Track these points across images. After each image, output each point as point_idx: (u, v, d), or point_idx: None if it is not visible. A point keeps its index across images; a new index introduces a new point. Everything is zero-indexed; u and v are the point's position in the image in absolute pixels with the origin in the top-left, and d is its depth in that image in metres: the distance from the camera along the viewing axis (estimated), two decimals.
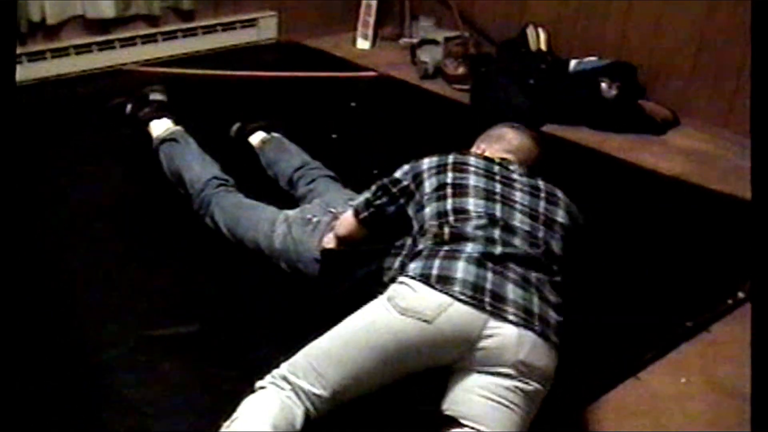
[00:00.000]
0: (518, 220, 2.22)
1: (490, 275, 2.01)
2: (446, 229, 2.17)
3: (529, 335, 1.95)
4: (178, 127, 3.44)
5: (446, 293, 1.95)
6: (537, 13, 4.84)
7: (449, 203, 2.25)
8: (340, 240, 2.59)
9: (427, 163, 2.42)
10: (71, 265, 2.90)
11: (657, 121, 4.21)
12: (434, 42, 5.02)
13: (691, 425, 2.26)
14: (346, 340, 2.01)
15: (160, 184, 3.40)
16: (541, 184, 2.40)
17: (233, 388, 2.24)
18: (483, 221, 2.17)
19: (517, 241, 2.15)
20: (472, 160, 2.39)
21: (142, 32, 4.89)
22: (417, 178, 2.39)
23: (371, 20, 5.58)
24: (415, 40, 5.22)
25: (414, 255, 2.17)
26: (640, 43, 4.43)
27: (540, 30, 4.70)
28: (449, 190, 2.29)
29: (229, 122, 3.72)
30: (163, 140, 3.35)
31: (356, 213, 2.50)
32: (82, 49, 4.68)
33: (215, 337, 2.54)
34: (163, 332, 2.53)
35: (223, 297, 2.74)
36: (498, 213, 2.21)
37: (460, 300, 1.94)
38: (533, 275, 2.09)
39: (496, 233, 2.15)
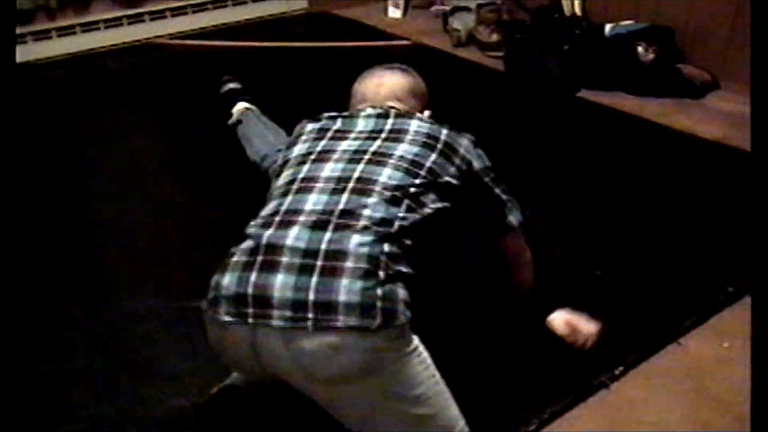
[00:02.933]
0: (323, 177, 1.88)
1: (253, 275, 1.70)
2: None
3: (302, 338, 1.64)
4: (244, 107, 3.45)
5: (215, 321, 1.75)
6: None
7: (273, 184, 2.02)
8: None
9: (297, 129, 2.20)
10: (108, 238, 2.91)
11: (696, 85, 4.12)
12: (467, 9, 4.97)
13: (733, 390, 2.22)
14: None
15: (195, 157, 3.41)
16: (389, 119, 2.05)
17: None
18: (273, 203, 1.90)
19: (307, 206, 1.81)
20: (309, 126, 2.13)
21: (172, 5, 4.88)
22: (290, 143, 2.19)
23: None
24: (447, 8, 5.17)
25: None
26: (677, 6, 4.33)
27: None
28: (274, 175, 2.09)
29: (264, 95, 3.68)
30: (234, 124, 3.38)
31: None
32: (112, 23, 4.69)
33: None
34: (201, 304, 2.52)
35: None
36: (299, 176, 1.92)
37: (225, 323, 1.72)
38: (327, 231, 1.74)
39: (283, 205, 1.85)
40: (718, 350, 2.37)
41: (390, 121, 2.04)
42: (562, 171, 3.31)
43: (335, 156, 1.94)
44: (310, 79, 4.28)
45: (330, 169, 1.90)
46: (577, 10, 4.61)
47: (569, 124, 3.84)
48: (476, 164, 2.05)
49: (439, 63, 4.69)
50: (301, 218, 1.79)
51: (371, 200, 1.80)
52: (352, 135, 2.01)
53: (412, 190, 1.86)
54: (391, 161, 1.90)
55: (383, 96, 2.22)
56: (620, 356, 2.31)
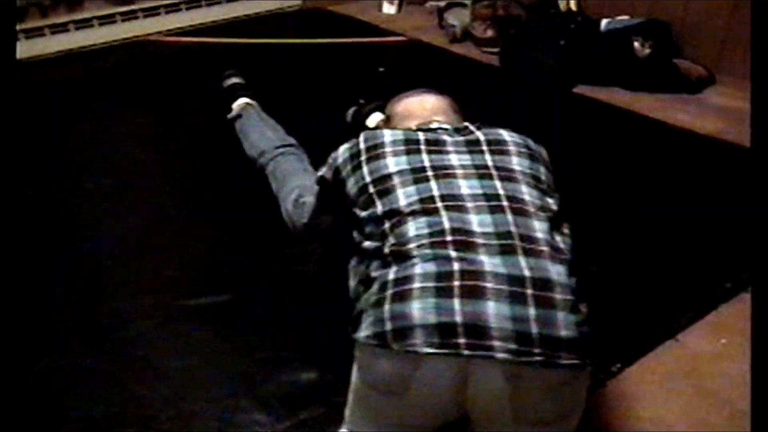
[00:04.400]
0: (465, 186, 1.77)
1: (456, 302, 1.52)
2: (386, 248, 1.70)
3: (528, 373, 1.51)
4: (245, 101, 3.44)
5: (408, 352, 1.51)
6: None
7: (378, 208, 1.79)
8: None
9: (341, 154, 2.01)
10: (104, 236, 2.90)
11: (692, 80, 4.11)
12: (462, 5, 4.95)
13: (731, 386, 2.21)
14: (352, 412, 1.77)
15: (190, 154, 3.40)
16: (476, 132, 1.96)
17: (266, 356, 2.26)
18: (417, 210, 1.72)
19: (474, 226, 1.67)
20: (387, 133, 1.95)
21: (165, 1, 4.87)
22: (337, 175, 2.01)
23: None
24: (442, 4, 5.14)
25: (368, 295, 1.68)
26: (673, 1, 4.32)
27: None
28: (372, 190, 1.84)
29: (259, 91, 3.66)
30: (233, 118, 3.37)
31: (310, 221, 2.42)
32: (106, 20, 4.67)
33: (249, 307, 2.52)
34: (197, 302, 2.52)
35: (257, 266, 2.72)
36: (435, 191, 1.76)
37: (427, 354, 1.50)
38: (522, 264, 1.59)
39: (444, 223, 1.67)
40: (715, 346, 2.36)
41: (478, 134, 1.95)
42: (558, 166, 3.30)
43: (458, 171, 1.81)
44: (304, 76, 4.26)
45: (467, 185, 1.76)
46: (573, 6, 4.60)
47: (565, 119, 3.83)
48: None
49: (435, 59, 4.67)
50: (479, 240, 1.63)
51: (536, 223, 1.70)
52: (450, 148, 1.89)
53: (553, 208, 1.80)
54: (519, 177, 1.82)
55: (430, 111, 2.18)
56: (618, 353, 2.30)
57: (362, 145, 1.95)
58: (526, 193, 1.78)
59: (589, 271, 2.56)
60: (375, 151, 1.91)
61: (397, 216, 1.73)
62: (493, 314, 1.50)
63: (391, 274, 1.63)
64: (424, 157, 1.85)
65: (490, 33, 4.72)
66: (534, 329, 1.49)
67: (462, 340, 1.48)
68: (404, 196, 1.76)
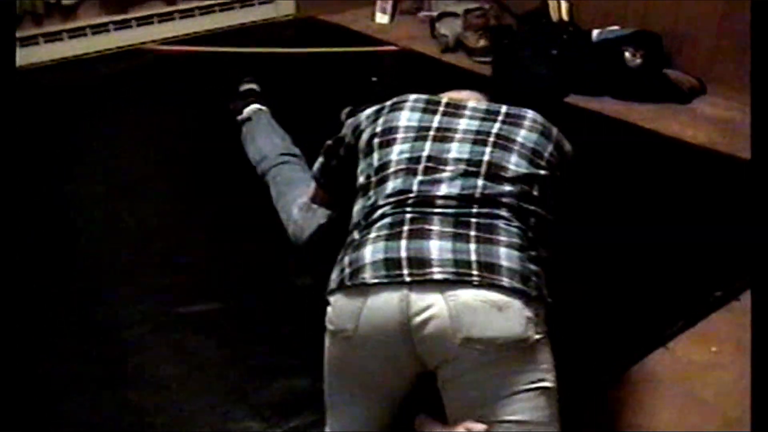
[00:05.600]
0: (454, 151, 1.86)
1: (404, 242, 1.68)
2: (369, 200, 1.88)
3: (465, 292, 1.61)
4: (257, 107, 3.47)
5: (357, 286, 1.67)
6: None
7: (375, 158, 1.94)
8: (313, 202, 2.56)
9: (366, 112, 2.11)
10: (100, 243, 2.90)
11: (683, 90, 4.13)
12: (454, 15, 4.96)
13: (721, 394, 2.22)
14: (328, 385, 1.85)
15: (185, 162, 3.41)
16: (504, 108, 2.02)
17: (261, 363, 2.27)
18: (401, 168, 1.86)
19: (444, 177, 1.81)
20: (412, 96, 2.06)
21: (159, 10, 4.87)
22: (356, 131, 2.10)
23: None
24: (434, 13, 5.16)
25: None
26: (663, 12, 4.33)
27: (562, 0, 4.64)
28: (376, 141, 1.97)
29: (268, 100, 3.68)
30: (243, 120, 3.38)
31: (315, 180, 2.42)
32: (99, 29, 4.68)
33: (242, 315, 2.53)
34: (191, 309, 2.53)
35: (251, 274, 2.72)
36: (426, 151, 1.87)
37: (372, 286, 1.65)
38: (473, 213, 1.75)
39: (416, 180, 1.81)
40: (706, 354, 2.37)
41: (503, 107, 2.02)
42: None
43: (457, 135, 1.90)
44: (297, 85, 4.27)
45: (457, 150, 1.86)
46: (564, 15, 4.61)
47: (557, 129, 3.84)
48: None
49: (427, 68, 4.68)
50: (439, 201, 1.78)
51: (507, 188, 1.81)
52: (467, 112, 1.98)
53: (539, 181, 1.88)
54: (516, 147, 1.88)
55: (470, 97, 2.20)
56: (608, 361, 2.31)
57: (389, 102, 2.07)
58: (513, 162, 1.85)
59: (578, 278, 2.63)
60: (396, 106, 2.03)
61: (383, 171, 1.89)
62: (436, 249, 1.66)
63: (356, 233, 1.82)
64: (437, 117, 1.95)
65: (482, 43, 4.74)
66: (473, 257, 1.65)
67: (405, 271, 1.63)
68: (397, 152, 1.90)
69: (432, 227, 1.71)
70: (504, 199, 1.79)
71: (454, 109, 1.98)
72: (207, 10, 5.06)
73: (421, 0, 5.59)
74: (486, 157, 1.84)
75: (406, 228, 1.72)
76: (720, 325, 2.50)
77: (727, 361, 2.33)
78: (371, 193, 1.89)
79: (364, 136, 2.02)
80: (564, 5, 4.62)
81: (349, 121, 2.16)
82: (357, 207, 1.93)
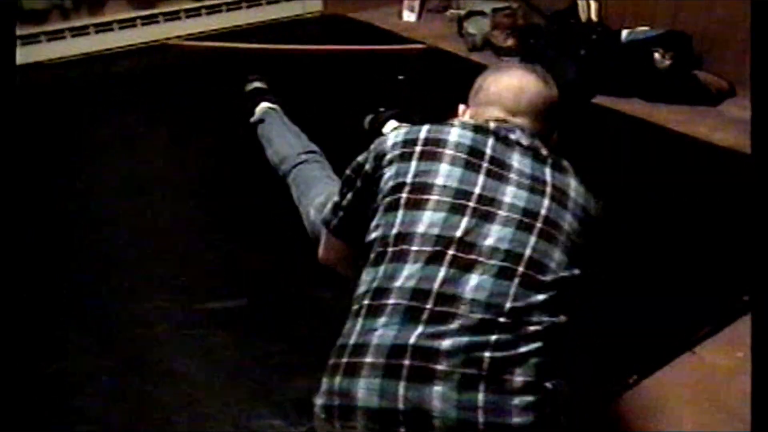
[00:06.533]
0: (493, 236, 1.55)
1: (402, 388, 1.41)
2: (379, 274, 1.57)
3: None
4: (268, 106, 3.43)
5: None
6: None
7: (398, 219, 1.61)
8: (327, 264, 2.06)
9: (393, 138, 1.74)
10: (121, 239, 2.91)
11: (712, 92, 4.10)
12: (482, 13, 4.94)
13: (747, 399, 2.18)
14: None
15: (209, 158, 3.41)
16: (548, 172, 1.69)
17: (282, 361, 2.26)
18: (426, 251, 1.54)
19: (473, 278, 1.50)
20: (454, 131, 1.69)
21: (186, 6, 4.88)
22: (379, 160, 1.73)
23: None
24: (462, 12, 5.14)
25: (339, 341, 1.60)
26: (694, 13, 4.30)
27: (591, 0, 4.61)
28: (404, 197, 1.62)
29: (278, 95, 3.67)
30: (256, 122, 3.37)
31: (326, 225, 1.90)
32: (126, 24, 4.70)
33: (264, 312, 2.53)
34: (212, 306, 2.53)
35: (273, 271, 2.72)
36: (461, 229, 1.55)
37: None
38: (490, 343, 1.45)
39: (439, 276, 1.51)
40: (732, 360, 2.34)
41: (548, 171, 1.69)
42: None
43: (501, 213, 1.58)
44: (323, 83, 4.26)
45: (496, 236, 1.56)
46: (593, 16, 4.59)
47: (585, 130, 3.82)
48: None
49: (454, 67, 4.66)
50: (458, 310, 1.47)
51: (541, 297, 1.52)
52: (513, 177, 1.64)
53: (574, 283, 1.61)
54: (559, 237, 1.60)
55: (524, 107, 1.81)
56: (634, 365, 2.29)
57: (422, 134, 1.71)
58: (556, 260, 1.57)
59: (607, 282, 2.60)
60: (434, 148, 1.67)
61: (404, 243, 1.57)
62: (438, 398, 1.40)
63: (354, 335, 1.54)
64: (480, 179, 1.62)
65: (510, 42, 4.72)
66: (481, 418, 1.40)
67: (402, 429, 1.40)
68: (427, 223, 1.57)
69: (437, 366, 1.42)
70: (533, 317, 1.50)
71: (499, 167, 1.65)
72: (234, 6, 5.07)
73: None
74: (528, 251, 1.55)
75: (407, 363, 1.43)
76: (746, 331, 2.46)
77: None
78: (383, 266, 1.58)
79: (391, 177, 1.68)
80: (593, 5, 4.59)
81: (372, 147, 1.79)
82: (366, 276, 1.62)
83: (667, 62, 4.10)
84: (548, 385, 1.46)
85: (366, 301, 1.56)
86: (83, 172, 3.37)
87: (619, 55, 4.22)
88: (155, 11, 4.78)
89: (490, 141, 1.69)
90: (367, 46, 4.82)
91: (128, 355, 2.33)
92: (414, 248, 1.55)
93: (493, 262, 1.52)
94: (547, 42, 4.47)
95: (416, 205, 1.60)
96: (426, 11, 5.60)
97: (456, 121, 1.76)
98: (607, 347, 2.30)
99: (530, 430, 1.42)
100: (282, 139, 3.15)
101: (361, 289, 1.60)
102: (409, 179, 1.64)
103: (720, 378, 2.28)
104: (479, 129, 1.71)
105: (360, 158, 1.80)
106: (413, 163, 1.65)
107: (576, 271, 1.60)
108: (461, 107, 1.97)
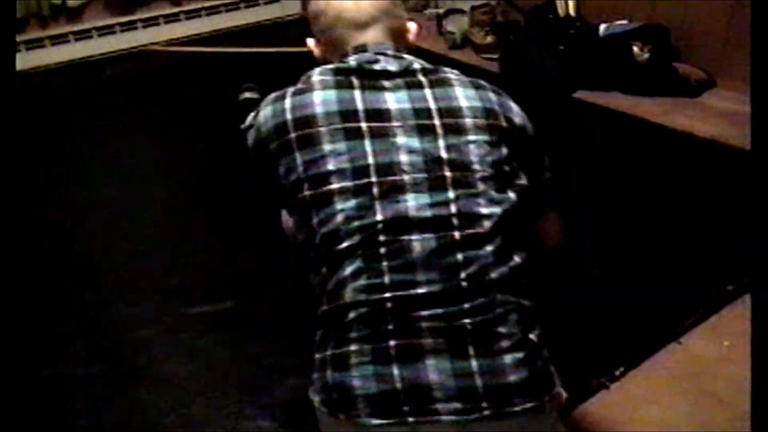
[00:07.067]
0: (414, 211, 1.47)
1: (396, 369, 1.42)
2: (323, 273, 1.54)
3: (477, 427, 1.41)
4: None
5: (354, 422, 1.44)
6: None
7: (315, 220, 1.53)
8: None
9: (264, 116, 1.70)
10: (108, 244, 2.92)
11: (691, 84, 4.12)
12: (460, 11, 4.95)
13: (734, 388, 2.21)
14: None
15: (193, 162, 3.41)
16: (428, 95, 1.59)
17: (271, 363, 2.27)
18: (357, 263, 1.48)
19: (419, 274, 1.45)
20: (317, 97, 1.57)
21: (165, 12, 4.87)
22: (264, 150, 1.69)
23: None
24: (441, 10, 5.15)
25: (317, 337, 1.57)
26: (672, 5, 4.32)
27: None
28: (306, 192, 1.53)
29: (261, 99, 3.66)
30: (247, 128, 3.35)
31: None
32: (105, 31, 4.69)
33: (252, 314, 2.54)
34: (201, 309, 2.54)
35: (260, 273, 2.73)
36: (379, 216, 1.47)
37: (376, 426, 1.42)
38: (465, 310, 1.44)
39: (385, 278, 1.45)
40: (718, 349, 2.36)
41: (429, 94, 1.59)
42: (559, 172, 3.30)
43: (406, 177, 1.50)
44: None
45: (413, 201, 1.49)
46: (571, 11, 4.60)
47: (566, 125, 3.83)
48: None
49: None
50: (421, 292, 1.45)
51: (489, 248, 1.49)
52: (397, 125, 1.53)
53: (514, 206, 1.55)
54: (477, 170, 1.52)
55: (372, 15, 1.72)
56: (621, 356, 2.30)
57: (288, 115, 1.60)
58: (483, 198, 1.51)
59: (592, 274, 2.62)
60: (308, 129, 1.55)
61: (333, 245, 1.50)
62: (434, 373, 1.41)
63: (328, 334, 1.52)
64: (367, 145, 1.51)
65: (489, 39, 4.73)
66: (479, 382, 1.41)
67: (405, 407, 1.40)
68: (342, 217, 1.49)
69: (423, 339, 1.42)
70: (492, 273, 1.47)
71: (380, 121, 1.54)
72: (213, 11, 5.05)
73: None
74: (453, 209, 1.48)
75: (392, 342, 1.43)
76: (732, 319, 2.49)
77: (739, 354, 2.31)
78: (326, 269, 1.53)
79: (284, 173, 1.60)
80: (571, 0, 4.60)
81: (249, 131, 1.80)
82: (316, 280, 1.58)
83: (646, 55, 4.12)
84: (533, 336, 1.47)
85: (325, 307, 1.55)
86: (70, 179, 3.37)
87: (598, 50, 4.23)
88: (134, 17, 4.77)
89: (357, 92, 1.57)
90: None
91: (118, 358, 2.35)
92: (344, 245, 1.48)
93: (428, 235, 1.46)
94: (526, 38, 4.47)
95: (323, 200, 1.51)
96: (405, 10, 5.59)
97: (315, 77, 1.62)
98: (594, 339, 2.32)
99: (527, 384, 1.43)
100: None
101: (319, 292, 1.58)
102: (302, 174, 1.53)
103: (707, 367, 2.30)
104: (341, 80, 1.59)
105: (249, 142, 1.77)
106: (297, 155, 1.55)
107: (511, 195, 1.54)
108: (310, 41, 1.82)
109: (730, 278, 2.62)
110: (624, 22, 4.37)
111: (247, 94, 3.61)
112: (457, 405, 1.40)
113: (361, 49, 1.67)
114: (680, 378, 2.25)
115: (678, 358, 2.33)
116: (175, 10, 4.92)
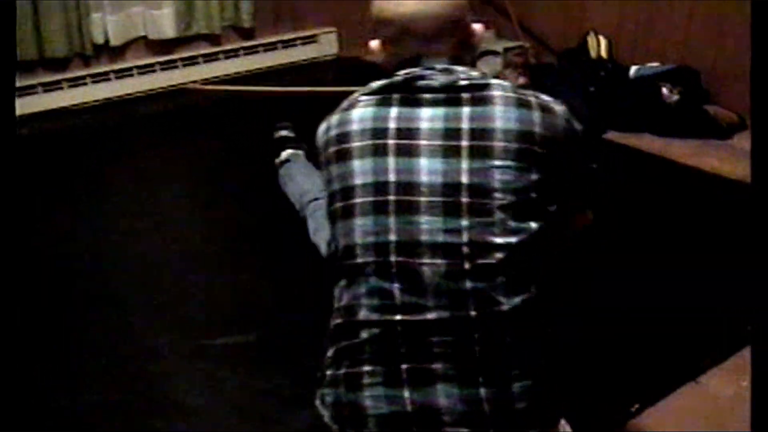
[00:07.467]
0: (426, 235, 1.51)
1: (407, 392, 1.47)
2: (341, 285, 1.61)
3: None
4: (293, 151, 3.47)
5: None
6: (597, 20, 4.76)
7: (339, 232, 1.61)
8: None
9: (320, 128, 1.76)
10: (132, 275, 2.97)
11: (722, 125, 4.11)
12: (493, 53, 4.99)
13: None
14: None
15: (221, 198, 3.46)
16: (464, 114, 1.57)
17: (291, 395, 2.28)
18: (371, 281, 1.53)
19: (429, 299, 1.49)
20: (356, 115, 1.64)
21: (203, 51, 4.97)
22: (325, 161, 1.72)
23: None
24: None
25: (327, 358, 1.62)
26: (703, 47, 4.33)
27: (601, 37, 4.64)
28: (338, 205, 1.62)
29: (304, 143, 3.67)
30: (281, 162, 3.43)
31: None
32: (145, 69, 4.78)
33: (273, 346, 2.56)
34: (223, 341, 2.57)
35: (281, 306, 2.76)
36: (392, 236, 1.52)
37: None
38: (474, 339, 1.48)
39: (396, 295, 1.51)
40: (736, 389, 2.34)
41: (465, 113, 1.57)
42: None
43: (422, 198, 1.53)
44: None
45: (426, 224, 1.52)
46: (603, 53, 4.62)
47: (597, 165, 3.83)
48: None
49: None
50: (429, 302, 1.50)
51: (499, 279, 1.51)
52: (424, 143, 1.55)
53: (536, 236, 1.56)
54: (497, 197, 1.52)
55: (434, 29, 1.67)
56: (637, 394, 2.30)
57: (333, 132, 1.68)
58: (497, 228, 1.51)
59: (613, 312, 2.62)
60: (344, 145, 1.63)
61: (350, 258, 1.57)
62: (443, 396, 1.45)
63: (342, 353, 1.56)
64: (390, 162, 1.56)
65: (522, 80, 4.76)
66: (486, 408, 1.45)
67: (415, 429, 1.46)
68: (360, 231, 1.55)
69: (434, 365, 1.47)
70: (503, 305, 1.49)
71: (408, 139, 1.58)
72: (251, 50, 5.14)
73: None
74: (464, 238, 1.50)
75: (404, 366, 1.48)
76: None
77: None
78: (345, 281, 1.60)
79: (327, 186, 1.69)
80: (603, 42, 4.62)
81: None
82: (340, 294, 1.63)
83: (675, 97, 4.12)
84: (542, 366, 1.51)
85: (339, 320, 1.60)
86: (99, 211, 3.43)
87: (628, 91, 4.25)
88: (174, 56, 4.86)
89: (393, 109, 1.60)
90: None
91: (137, 389, 2.37)
92: (360, 261, 1.55)
93: (438, 261, 1.50)
94: (558, 80, 4.50)
95: (348, 213, 1.58)
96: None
97: (362, 96, 1.68)
98: (611, 375, 2.32)
99: (533, 412, 1.47)
100: (304, 177, 3.20)
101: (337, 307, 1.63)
102: (336, 186, 1.62)
103: (724, 407, 2.28)
104: (383, 97, 1.64)
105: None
106: (333, 168, 1.64)
107: (532, 224, 1.53)
108: (373, 44, 1.79)
109: (750, 318, 2.60)
110: (655, 64, 4.39)
111: (283, 133, 3.69)
112: (465, 430, 1.45)
113: (416, 62, 1.66)
114: (697, 417, 2.24)
115: (695, 397, 2.33)
116: (214, 49, 5.01)
